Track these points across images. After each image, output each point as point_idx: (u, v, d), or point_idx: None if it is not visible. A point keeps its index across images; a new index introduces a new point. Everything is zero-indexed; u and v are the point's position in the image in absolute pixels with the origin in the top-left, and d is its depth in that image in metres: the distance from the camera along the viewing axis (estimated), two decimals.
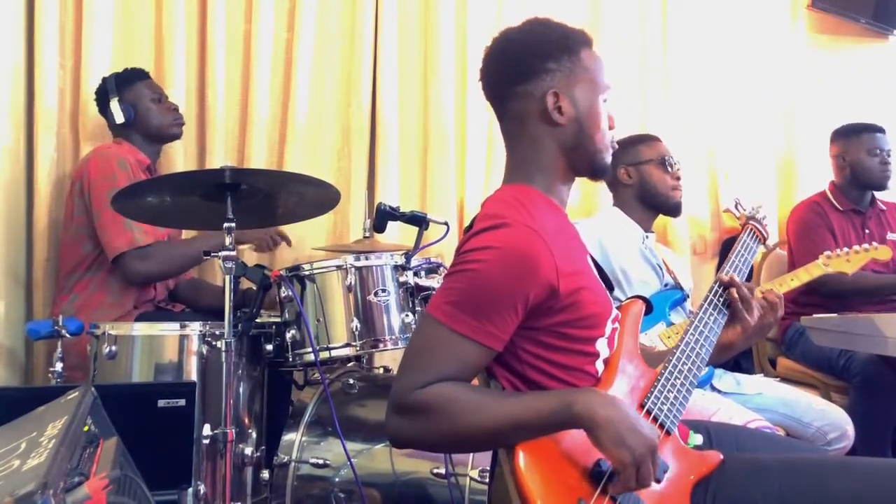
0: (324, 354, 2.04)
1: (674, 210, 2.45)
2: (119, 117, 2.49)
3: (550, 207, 1.33)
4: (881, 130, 3.00)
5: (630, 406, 1.22)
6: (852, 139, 3.01)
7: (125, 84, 2.53)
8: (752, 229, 1.64)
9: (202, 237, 2.52)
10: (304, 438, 2.05)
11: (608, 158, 1.38)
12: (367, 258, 2.08)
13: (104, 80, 2.55)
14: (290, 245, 2.67)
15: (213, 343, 1.99)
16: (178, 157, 2.79)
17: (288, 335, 2.07)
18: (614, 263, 2.29)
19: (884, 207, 3.07)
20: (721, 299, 1.42)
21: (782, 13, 3.53)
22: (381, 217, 2.07)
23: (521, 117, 1.34)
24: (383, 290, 2.06)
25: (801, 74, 3.53)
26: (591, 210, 3.16)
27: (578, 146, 1.34)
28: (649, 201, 2.40)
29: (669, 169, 2.38)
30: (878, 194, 3.06)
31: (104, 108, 2.54)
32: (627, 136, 2.56)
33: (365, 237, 2.64)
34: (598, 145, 1.35)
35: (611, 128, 1.38)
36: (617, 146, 2.22)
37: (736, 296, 1.41)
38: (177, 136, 2.63)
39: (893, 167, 2.98)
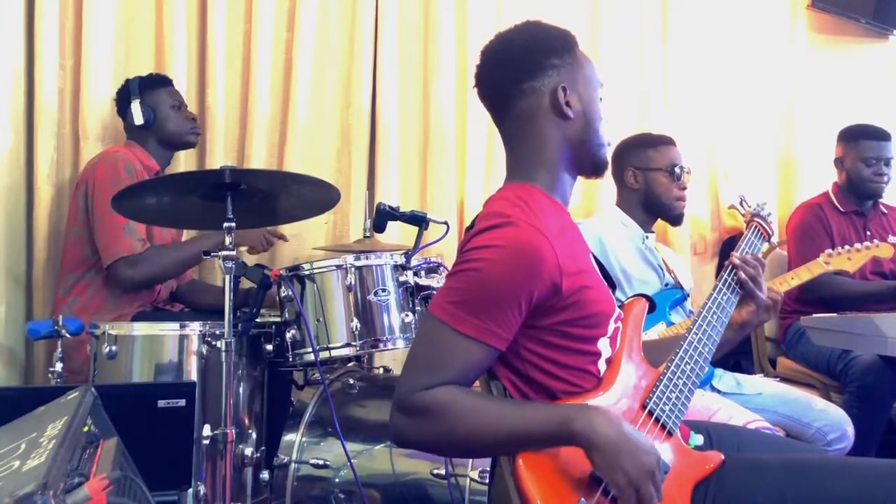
0: (324, 354, 2.04)
1: (675, 220, 2.46)
2: (138, 118, 2.50)
3: (553, 206, 1.33)
4: (884, 137, 2.92)
5: (633, 417, 1.23)
6: (851, 145, 2.97)
7: (148, 88, 2.54)
8: (756, 226, 1.64)
9: (195, 240, 2.52)
10: (304, 439, 2.05)
11: (608, 154, 1.42)
12: (367, 258, 2.08)
13: (127, 81, 2.56)
14: (286, 241, 2.66)
15: (213, 343, 1.99)
16: (178, 158, 2.78)
17: (288, 335, 2.07)
18: (614, 263, 2.29)
19: (885, 211, 3.04)
20: (734, 279, 1.44)
21: (782, 13, 3.54)
22: (381, 217, 2.07)
23: (528, 115, 1.34)
24: (383, 290, 2.06)
25: (801, 74, 3.52)
26: (591, 210, 3.15)
27: (585, 140, 1.36)
28: (652, 208, 2.40)
29: (678, 179, 2.36)
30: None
31: (124, 109, 2.54)
32: (640, 136, 2.53)
33: (365, 237, 2.64)
34: (602, 139, 1.39)
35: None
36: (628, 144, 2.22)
37: (745, 276, 1.43)
38: (192, 144, 2.65)
39: (894, 173, 2.93)
